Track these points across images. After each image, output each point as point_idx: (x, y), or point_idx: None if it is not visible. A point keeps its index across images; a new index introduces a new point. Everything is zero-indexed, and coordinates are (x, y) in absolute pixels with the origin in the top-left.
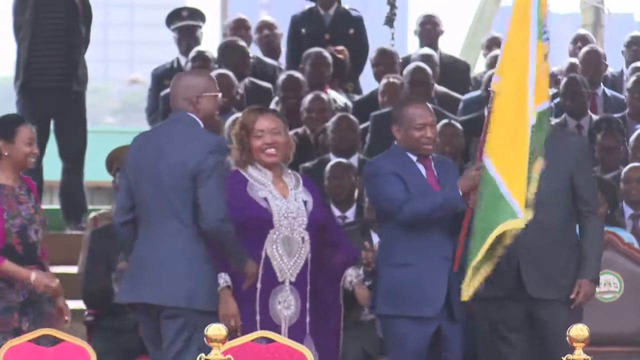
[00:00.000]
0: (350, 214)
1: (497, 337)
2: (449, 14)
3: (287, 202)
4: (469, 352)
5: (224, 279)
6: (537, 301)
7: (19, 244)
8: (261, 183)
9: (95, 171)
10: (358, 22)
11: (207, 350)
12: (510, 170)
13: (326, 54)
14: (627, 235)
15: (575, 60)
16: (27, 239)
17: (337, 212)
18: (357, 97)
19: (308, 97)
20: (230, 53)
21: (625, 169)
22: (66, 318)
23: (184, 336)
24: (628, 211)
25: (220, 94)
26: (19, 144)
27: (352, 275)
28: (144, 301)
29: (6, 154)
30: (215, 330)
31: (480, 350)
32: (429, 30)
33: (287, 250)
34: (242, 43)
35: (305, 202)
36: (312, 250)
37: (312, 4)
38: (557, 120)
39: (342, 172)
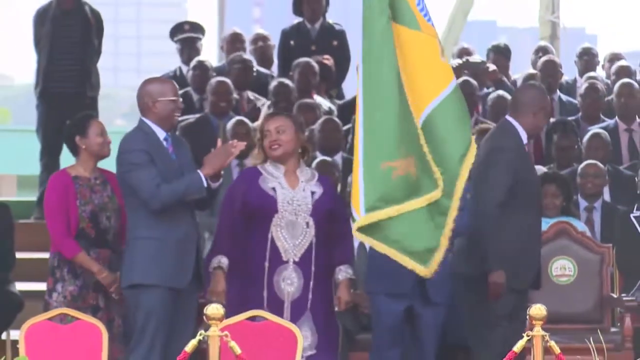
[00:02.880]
0: None
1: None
2: None
3: (294, 191)
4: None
5: (218, 259)
6: None
7: (91, 228)
8: (273, 176)
9: (106, 166)
10: (341, 35)
11: None
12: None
13: (313, 63)
14: (580, 225)
15: (533, 70)
16: (99, 224)
17: None
18: (339, 102)
19: (297, 103)
20: (237, 66)
21: (582, 165)
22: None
23: None
24: (583, 203)
25: (177, 98)
26: (92, 136)
27: (341, 273)
28: None
29: (83, 147)
30: (214, 309)
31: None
32: None
33: (290, 232)
34: (248, 57)
35: (313, 193)
36: (317, 234)
37: (300, 19)
38: None
39: (327, 168)
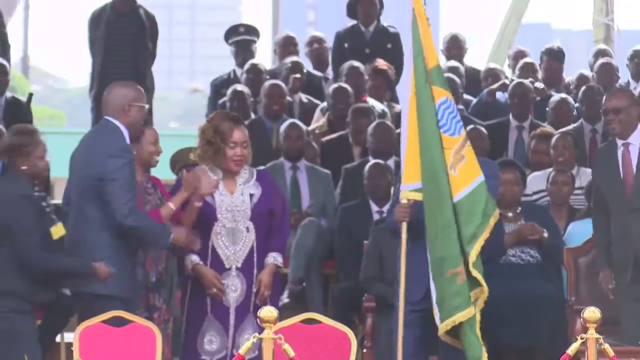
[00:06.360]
0: (387, 209)
1: None
2: (477, 30)
3: (232, 197)
4: None
5: (190, 258)
6: None
7: None
8: None
9: (160, 170)
10: (395, 38)
11: None
12: None
13: (356, 64)
14: None
15: (585, 71)
16: None
17: (375, 207)
18: (395, 105)
19: (352, 107)
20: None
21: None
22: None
23: None
24: None
25: (147, 105)
26: (145, 144)
27: (270, 257)
28: None
29: (134, 152)
30: (267, 312)
31: None
32: (456, 48)
33: (231, 239)
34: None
35: (251, 196)
36: (258, 237)
37: (354, 22)
38: (575, 125)
39: (379, 172)
